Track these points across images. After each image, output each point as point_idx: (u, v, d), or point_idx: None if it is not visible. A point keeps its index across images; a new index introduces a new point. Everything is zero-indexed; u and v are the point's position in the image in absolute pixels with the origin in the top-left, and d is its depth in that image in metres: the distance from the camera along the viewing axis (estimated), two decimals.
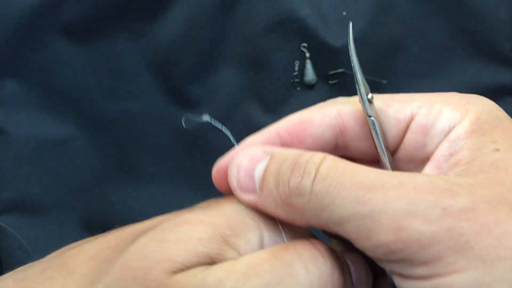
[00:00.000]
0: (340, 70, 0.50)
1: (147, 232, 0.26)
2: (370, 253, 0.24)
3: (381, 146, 0.29)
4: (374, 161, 0.30)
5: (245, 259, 0.25)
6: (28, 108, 0.51)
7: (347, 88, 0.51)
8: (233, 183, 0.29)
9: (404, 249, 0.23)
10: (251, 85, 0.51)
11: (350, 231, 0.24)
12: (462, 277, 0.22)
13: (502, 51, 0.51)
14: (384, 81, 0.51)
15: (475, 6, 0.50)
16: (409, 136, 0.29)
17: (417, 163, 0.29)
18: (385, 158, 0.29)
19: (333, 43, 0.49)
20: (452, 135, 0.27)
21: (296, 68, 0.51)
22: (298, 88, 0.51)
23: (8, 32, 0.51)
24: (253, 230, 0.27)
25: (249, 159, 0.28)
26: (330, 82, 0.51)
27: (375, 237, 0.23)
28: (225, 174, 0.30)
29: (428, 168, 0.27)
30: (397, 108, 0.29)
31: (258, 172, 0.27)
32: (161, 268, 0.24)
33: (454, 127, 0.27)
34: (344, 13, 0.50)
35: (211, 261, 0.25)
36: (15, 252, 0.49)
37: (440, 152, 0.27)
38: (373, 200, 0.23)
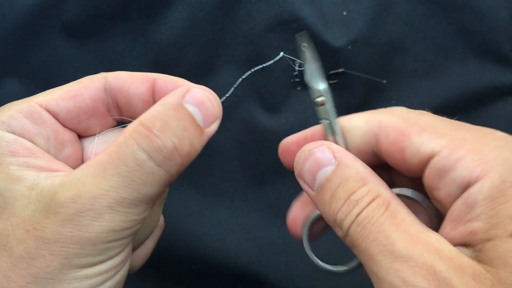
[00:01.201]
0: (340, 70, 0.50)
1: None
2: None
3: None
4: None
5: (90, 167, 0.27)
6: None
7: (347, 88, 0.51)
8: (298, 174, 0.30)
9: None
10: (251, 85, 0.51)
11: (366, 270, 0.27)
12: None
13: (502, 51, 0.51)
14: (384, 81, 0.51)
15: (475, 7, 0.50)
16: (427, 173, 0.28)
17: (434, 198, 0.29)
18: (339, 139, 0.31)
19: (333, 43, 0.49)
20: (470, 197, 0.25)
21: (296, 68, 0.51)
22: (298, 88, 0.51)
23: (9, 31, 0.51)
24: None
25: (316, 161, 0.29)
26: (330, 82, 0.51)
27: None
28: (288, 153, 0.33)
29: (448, 227, 0.27)
30: (423, 139, 0.28)
31: (321, 175, 0.29)
32: None
33: (470, 184, 0.25)
34: (344, 13, 0.50)
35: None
36: None
37: (458, 213, 0.26)
38: (381, 263, 0.25)
